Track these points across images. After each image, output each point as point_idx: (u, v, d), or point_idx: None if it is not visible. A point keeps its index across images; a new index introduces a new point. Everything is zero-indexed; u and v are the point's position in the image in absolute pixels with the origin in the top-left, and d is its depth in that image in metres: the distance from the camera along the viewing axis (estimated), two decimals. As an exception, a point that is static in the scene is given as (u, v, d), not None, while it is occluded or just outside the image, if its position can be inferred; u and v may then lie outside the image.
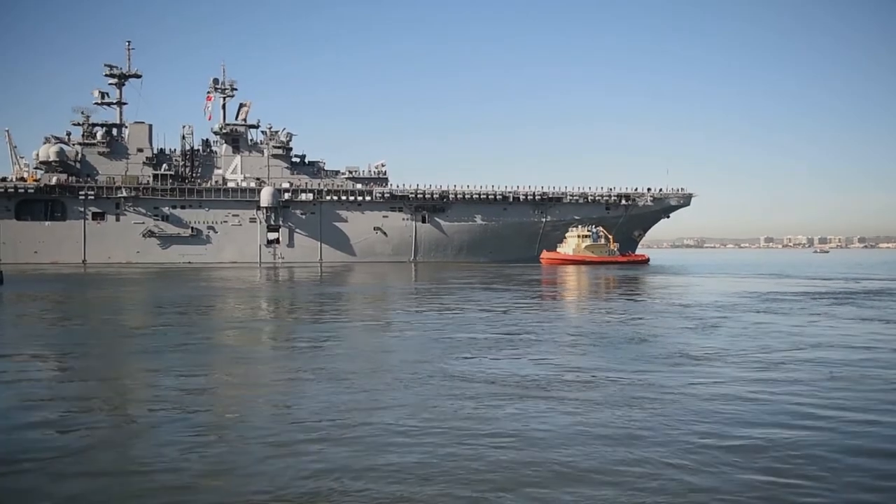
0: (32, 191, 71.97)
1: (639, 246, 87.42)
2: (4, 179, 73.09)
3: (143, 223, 74.49)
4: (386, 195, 78.02)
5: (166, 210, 74.96)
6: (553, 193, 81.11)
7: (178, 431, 8.67)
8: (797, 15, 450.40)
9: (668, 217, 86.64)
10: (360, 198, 77.75)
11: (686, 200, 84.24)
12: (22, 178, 73.47)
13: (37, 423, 9.12)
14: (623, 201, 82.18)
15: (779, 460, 7.60)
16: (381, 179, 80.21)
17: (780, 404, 10.09)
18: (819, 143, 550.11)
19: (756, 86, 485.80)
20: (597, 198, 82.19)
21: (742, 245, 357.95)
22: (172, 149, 79.10)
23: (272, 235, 76.89)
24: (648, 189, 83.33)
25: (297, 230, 77.31)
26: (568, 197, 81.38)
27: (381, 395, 10.64)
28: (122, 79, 77.68)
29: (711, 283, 42.87)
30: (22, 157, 75.68)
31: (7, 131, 75.85)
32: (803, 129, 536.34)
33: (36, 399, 10.49)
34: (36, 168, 74.05)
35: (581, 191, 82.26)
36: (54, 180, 72.33)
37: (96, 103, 77.19)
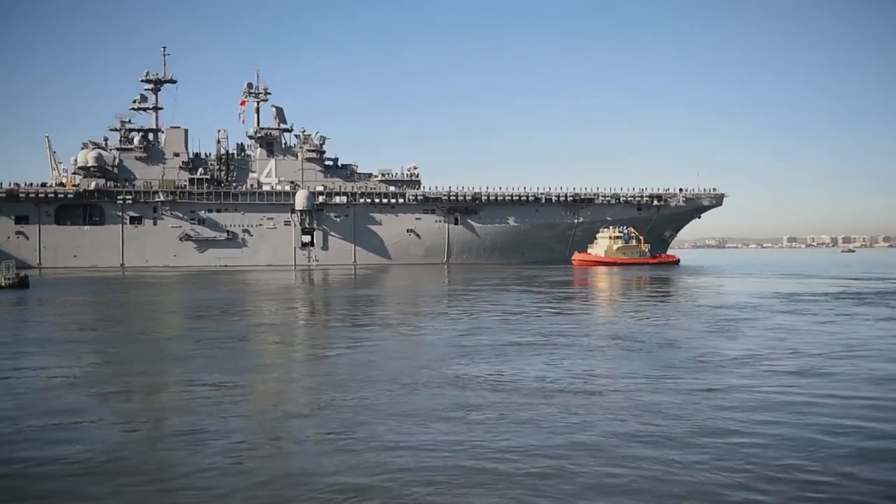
0: (72, 196, 73.05)
1: (669, 247, 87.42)
2: (44, 185, 74.20)
3: (180, 227, 75.38)
4: (419, 197, 78.47)
5: (202, 214, 75.82)
6: (585, 194, 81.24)
7: (205, 439, 8.75)
8: (811, 18, 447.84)
9: (700, 217, 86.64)
10: (393, 200, 78.25)
11: (718, 201, 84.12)
12: (61, 184, 74.57)
13: (58, 428, 9.25)
14: (655, 202, 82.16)
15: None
16: (414, 182, 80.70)
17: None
18: (837, 142, 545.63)
19: (777, 86, 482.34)
20: (629, 198, 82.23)
21: (765, 245, 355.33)
22: (208, 153, 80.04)
23: (306, 238, 77.55)
24: (681, 189, 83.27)
25: (332, 233, 77.94)
26: (600, 198, 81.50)
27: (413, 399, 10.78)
28: (157, 84, 78.75)
29: (744, 284, 42.56)
30: (60, 163, 76.80)
31: (47, 137, 77.22)
32: (821, 129, 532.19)
33: (55, 403, 10.62)
34: (74, 173, 75.15)
35: (613, 191, 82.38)
36: (93, 185, 73.34)
37: (133, 109, 78.31)
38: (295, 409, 10.51)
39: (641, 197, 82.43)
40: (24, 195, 72.01)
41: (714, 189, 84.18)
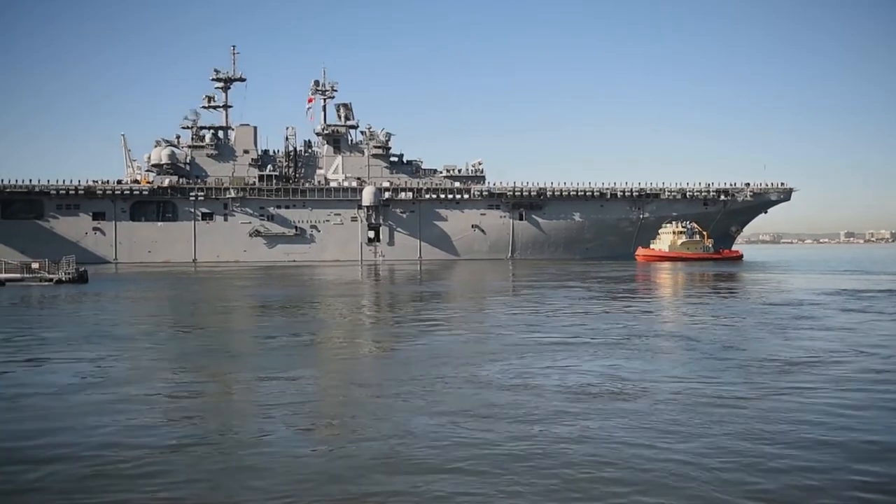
0: (146, 193, 74.96)
1: (734, 242, 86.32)
2: (120, 182, 76.22)
3: (250, 223, 76.80)
4: (484, 193, 78.65)
5: (271, 210, 77.15)
6: (650, 189, 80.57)
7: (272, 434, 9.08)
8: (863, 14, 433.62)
9: (766, 213, 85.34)
10: (458, 196, 78.59)
11: (786, 195, 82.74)
12: (136, 181, 76.51)
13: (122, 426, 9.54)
14: (721, 196, 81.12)
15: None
16: (479, 178, 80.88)
17: None
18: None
19: (834, 81, 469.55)
20: (695, 193, 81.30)
21: (821, 240, 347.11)
22: (276, 150, 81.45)
23: (373, 234, 78.38)
24: (747, 184, 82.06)
25: (398, 229, 78.63)
26: (666, 193, 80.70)
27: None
28: (227, 83, 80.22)
29: (812, 281, 41.53)
30: (135, 160, 78.70)
31: (122, 136, 79.21)
32: (873, 122, 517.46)
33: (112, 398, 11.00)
34: (148, 171, 77.06)
35: (679, 186, 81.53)
36: (166, 182, 75.16)
37: (203, 107, 79.98)
38: (356, 409, 10.72)
39: (708, 192, 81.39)
40: (101, 192, 74.13)
41: (782, 183, 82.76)
